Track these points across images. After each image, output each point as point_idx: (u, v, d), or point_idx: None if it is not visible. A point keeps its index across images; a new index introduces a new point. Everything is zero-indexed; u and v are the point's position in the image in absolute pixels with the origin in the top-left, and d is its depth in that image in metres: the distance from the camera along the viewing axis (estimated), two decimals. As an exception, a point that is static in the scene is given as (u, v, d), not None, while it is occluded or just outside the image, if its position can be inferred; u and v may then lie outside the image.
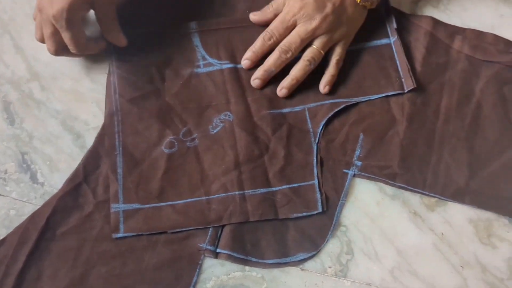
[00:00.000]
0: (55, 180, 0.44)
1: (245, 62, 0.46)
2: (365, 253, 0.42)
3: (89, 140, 0.45)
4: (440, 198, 0.44)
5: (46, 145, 0.46)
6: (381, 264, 0.41)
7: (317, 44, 0.45)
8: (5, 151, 0.45)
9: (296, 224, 0.43)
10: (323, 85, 0.46)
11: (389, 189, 0.44)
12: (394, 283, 0.41)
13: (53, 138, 0.46)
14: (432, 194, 0.44)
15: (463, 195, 0.44)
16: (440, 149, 0.45)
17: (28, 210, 0.43)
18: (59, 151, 0.45)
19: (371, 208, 0.43)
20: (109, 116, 0.46)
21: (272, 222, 0.43)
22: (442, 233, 0.43)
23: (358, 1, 0.45)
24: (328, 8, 0.44)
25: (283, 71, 0.46)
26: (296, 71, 0.45)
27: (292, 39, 0.45)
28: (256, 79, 0.45)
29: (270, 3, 0.47)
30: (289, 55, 0.45)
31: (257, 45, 0.45)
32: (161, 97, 0.46)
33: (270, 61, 0.45)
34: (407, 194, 0.44)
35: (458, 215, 0.43)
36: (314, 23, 0.44)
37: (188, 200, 0.43)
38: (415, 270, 0.41)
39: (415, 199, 0.44)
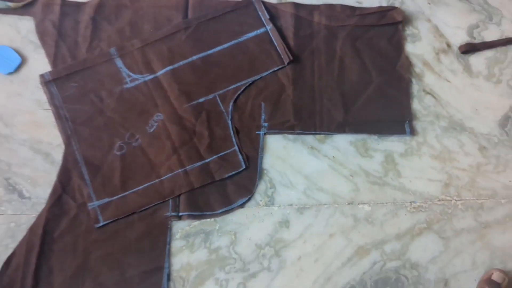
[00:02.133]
0: (38, 192, 0.56)
1: None
2: (283, 184, 0.58)
3: (57, 156, 0.58)
4: (328, 134, 0.60)
5: (23, 168, 0.57)
6: (296, 189, 0.58)
7: None
8: (-9, 183, 0.57)
9: (232, 180, 0.58)
10: None
11: (290, 136, 0.60)
12: (307, 199, 0.57)
13: (27, 162, 0.57)
14: (322, 133, 0.60)
15: (343, 127, 0.60)
16: (321, 99, 0.61)
17: (24, 220, 0.55)
18: (35, 170, 0.57)
19: (280, 151, 0.59)
20: (67, 139, 0.58)
21: (214, 183, 0.58)
22: (334, 156, 0.59)
23: None
24: None
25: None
26: None
27: None
28: None
29: None
30: None
31: None
32: (103, 114, 0.59)
33: None
34: (304, 136, 0.60)
35: (342, 141, 0.60)
36: None
37: (145, 184, 0.57)
38: (320, 187, 0.58)
39: (309, 138, 0.60)
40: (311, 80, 0.62)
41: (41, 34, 0.62)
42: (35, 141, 0.58)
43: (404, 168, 0.60)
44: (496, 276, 0.56)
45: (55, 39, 0.61)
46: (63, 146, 0.58)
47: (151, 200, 0.57)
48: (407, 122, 0.61)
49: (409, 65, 0.63)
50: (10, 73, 0.60)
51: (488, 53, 0.65)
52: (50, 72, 0.60)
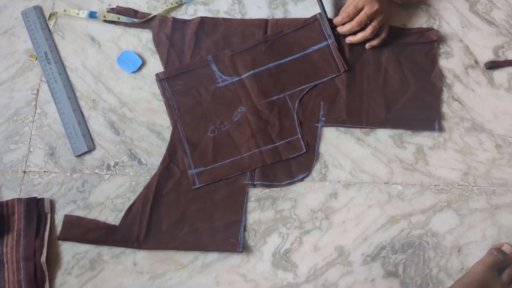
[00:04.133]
0: (152, 161, 0.76)
1: (338, 28, 0.79)
2: (334, 165, 0.75)
3: (166, 135, 0.77)
4: (372, 128, 0.76)
5: (142, 142, 0.78)
6: (344, 169, 0.75)
7: (374, 22, 0.76)
8: (119, 150, 0.77)
9: (295, 160, 0.76)
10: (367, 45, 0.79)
11: (342, 129, 0.77)
12: (352, 178, 0.75)
13: (145, 138, 0.78)
14: (367, 127, 0.77)
15: (385, 123, 0.77)
16: (368, 101, 0.78)
17: (142, 180, 0.76)
18: (150, 144, 0.77)
19: (333, 140, 0.76)
20: (174, 123, 0.78)
21: (281, 161, 0.76)
22: (375, 146, 0.76)
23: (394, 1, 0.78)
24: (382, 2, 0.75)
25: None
26: (362, 34, 0.77)
27: (361, 16, 0.75)
28: (344, 28, 0.78)
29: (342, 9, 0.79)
30: (359, 26, 0.76)
31: (339, 19, 0.77)
32: (201, 105, 0.78)
33: (348, 26, 0.77)
34: (352, 129, 0.77)
35: (382, 135, 0.76)
36: (376, 6, 0.75)
37: (230, 159, 0.76)
38: (363, 169, 0.75)
39: (357, 131, 0.77)
40: (361, 85, 0.78)
41: (157, 43, 0.82)
42: (151, 123, 0.79)
43: (431, 158, 0.75)
44: (506, 248, 0.70)
45: (167, 48, 0.81)
46: (171, 128, 0.78)
47: (234, 171, 0.75)
48: (436, 121, 0.76)
49: (441, 76, 0.78)
50: (134, 72, 0.81)
51: (510, 69, 0.79)
52: (163, 72, 0.80)
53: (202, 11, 0.83)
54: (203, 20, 0.82)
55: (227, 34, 0.82)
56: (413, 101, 0.77)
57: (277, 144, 0.76)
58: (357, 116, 0.77)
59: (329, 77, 0.78)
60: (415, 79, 0.78)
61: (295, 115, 0.77)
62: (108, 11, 0.83)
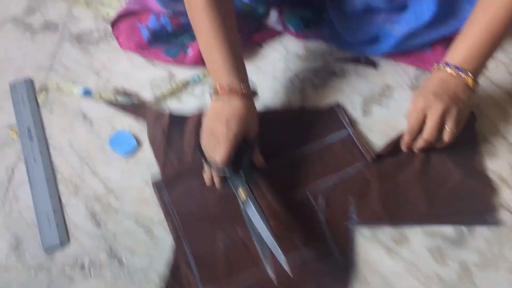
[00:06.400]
0: (135, 261, 0.62)
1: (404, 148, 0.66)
2: (359, 280, 0.60)
3: (156, 231, 0.64)
4: (413, 225, 0.62)
5: (125, 238, 0.64)
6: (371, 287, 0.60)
7: (449, 125, 0.60)
8: (97, 246, 0.64)
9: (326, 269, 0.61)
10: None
11: (367, 234, 0.63)
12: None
13: (129, 233, 0.65)
14: (408, 224, 0.63)
15: (428, 219, 0.63)
16: (404, 192, 0.65)
17: (121, 285, 0.61)
18: (135, 241, 0.64)
19: (356, 248, 0.62)
20: (174, 231, 0.64)
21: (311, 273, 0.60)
22: (409, 260, 0.62)
23: (472, 88, 0.60)
24: (447, 99, 0.59)
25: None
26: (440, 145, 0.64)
27: (431, 129, 0.61)
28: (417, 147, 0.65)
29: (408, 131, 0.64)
30: (433, 139, 0.62)
31: (407, 140, 0.65)
32: (207, 209, 0.65)
33: (422, 144, 0.64)
34: (380, 237, 0.63)
35: (418, 245, 0.62)
36: (440, 106, 0.59)
37: (245, 274, 0.60)
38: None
39: (386, 239, 0.62)
40: (394, 174, 0.66)
41: (152, 140, 0.71)
42: (140, 215, 0.66)
43: (478, 279, 0.60)
44: None
45: (163, 146, 0.70)
46: (161, 222, 0.65)
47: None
48: (490, 213, 0.63)
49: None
50: (127, 155, 0.71)
51: None
52: (161, 180, 0.67)
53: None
54: (201, 118, 0.69)
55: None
56: (459, 189, 0.64)
57: (302, 253, 0.62)
58: (395, 212, 0.64)
59: (354, 166, 0.67)
60: (457, 163, 0.66)
61: (321, 215, 0.64)
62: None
